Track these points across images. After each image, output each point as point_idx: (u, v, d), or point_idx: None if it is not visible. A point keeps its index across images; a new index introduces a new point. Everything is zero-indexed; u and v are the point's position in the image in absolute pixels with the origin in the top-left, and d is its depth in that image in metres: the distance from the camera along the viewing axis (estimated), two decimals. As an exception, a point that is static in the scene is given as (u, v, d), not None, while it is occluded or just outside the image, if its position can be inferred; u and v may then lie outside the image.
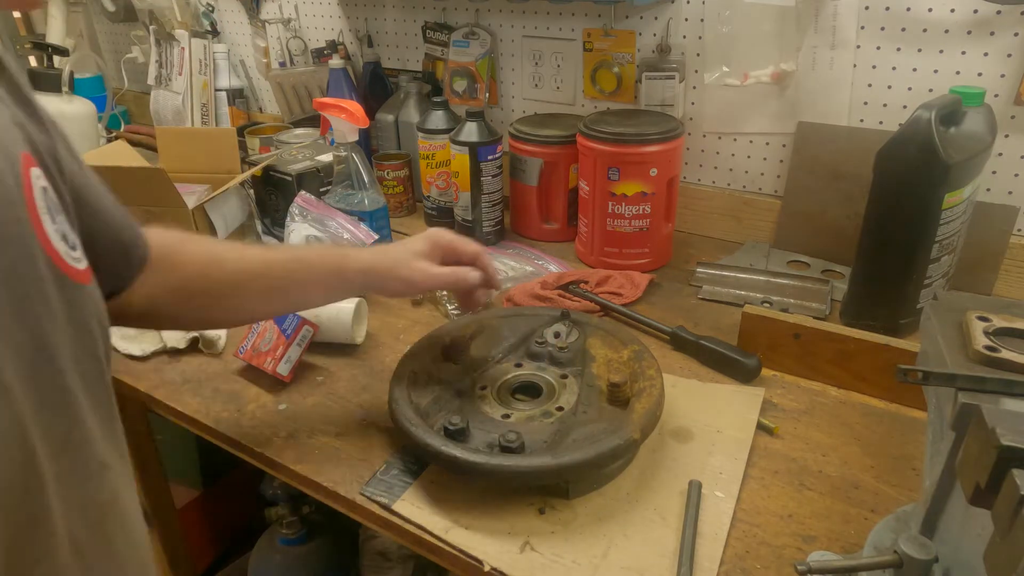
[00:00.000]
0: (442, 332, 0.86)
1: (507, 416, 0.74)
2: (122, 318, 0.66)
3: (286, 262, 0.72)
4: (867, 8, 1.02)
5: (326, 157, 1.30)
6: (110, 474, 0.47)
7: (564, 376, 0.80)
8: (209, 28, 1.78)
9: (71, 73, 1.54)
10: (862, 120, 1.08)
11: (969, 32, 0.95)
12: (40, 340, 0.40)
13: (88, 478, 0.44)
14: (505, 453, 0.66)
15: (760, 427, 0.77)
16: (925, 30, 0.98)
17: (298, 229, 1.09)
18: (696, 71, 1.19)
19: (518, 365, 0.82)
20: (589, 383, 0.78)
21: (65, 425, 0.42)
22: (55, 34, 1.69)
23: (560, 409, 0.75)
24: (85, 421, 0.44)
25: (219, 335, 0.96)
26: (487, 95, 1.42)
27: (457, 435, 0.69)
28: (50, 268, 0.41)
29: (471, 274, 0.75)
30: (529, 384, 0.80)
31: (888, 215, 0.87)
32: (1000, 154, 0.98)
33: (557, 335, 0.84)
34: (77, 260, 0.45)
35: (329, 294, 0.75)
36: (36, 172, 0.43)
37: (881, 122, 1.06)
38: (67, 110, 1.52)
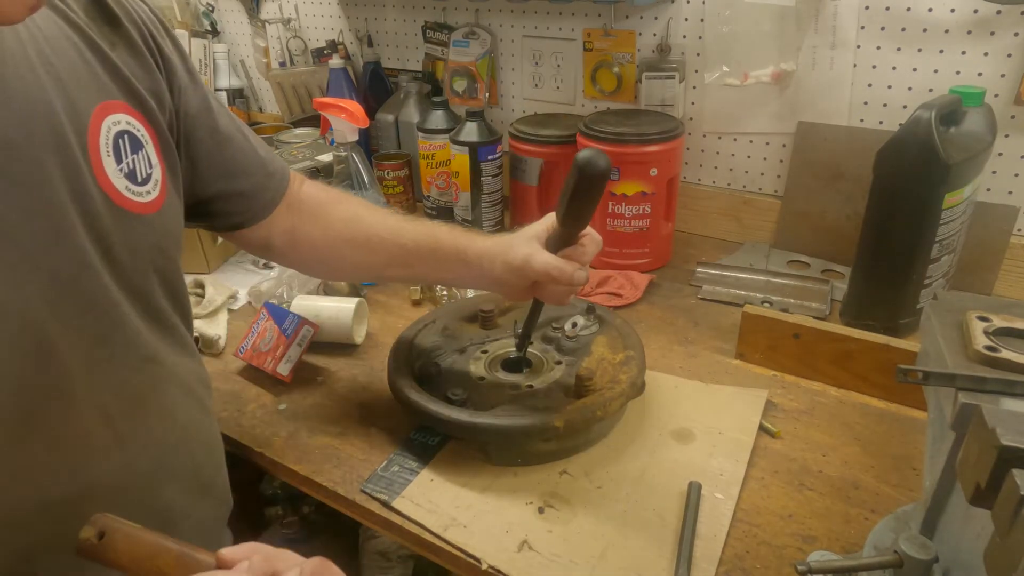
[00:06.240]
0: (482, 299, 0.93)
1: (481, 379, 0.78)
2: (266, 251, 0.76)
3: (417, 233, 0.74)
4: (867, 8, 1.02)
5: (326, 157, 1.30)
6: (154, 368, 0.59)
7: (559, 362, 0.81)
8: (209, 28, 1.78)
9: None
10: (862, 120, 1.08)
11: (969, 32, 0.95)
12: (84, 260, 0.50)
13: (126, 367, 0.56)
14: (447, 403, 0.72)
15: (762, 429, 0.77)
16: (925, 30, 0.98)
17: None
18: (696, 71, 1.19)
19: (529, 342, 0.83)
20: (571, 373, 0.79)
21: (106, 326, 0.53)
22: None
23: (530, 387, 0.77)
24: (128, 323, 0.55)
25: (219, 335, 0.96)
26: (487, 95, 1.42)
27: (424, 378, 0.76)
28: (104, 201, 0.51)
29: (578, 275, 0.65)
30: (525, 360, 0.82)
31: (888, 215, 0.87)
32: (1000, 154, 0.98)
33: (575, 325, 0.86)
34: (140, 194, 0.55)
35: (451, 273, 0.75)
36: (114, 119, 0.53)
37: (881, 122, 1.06)
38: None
